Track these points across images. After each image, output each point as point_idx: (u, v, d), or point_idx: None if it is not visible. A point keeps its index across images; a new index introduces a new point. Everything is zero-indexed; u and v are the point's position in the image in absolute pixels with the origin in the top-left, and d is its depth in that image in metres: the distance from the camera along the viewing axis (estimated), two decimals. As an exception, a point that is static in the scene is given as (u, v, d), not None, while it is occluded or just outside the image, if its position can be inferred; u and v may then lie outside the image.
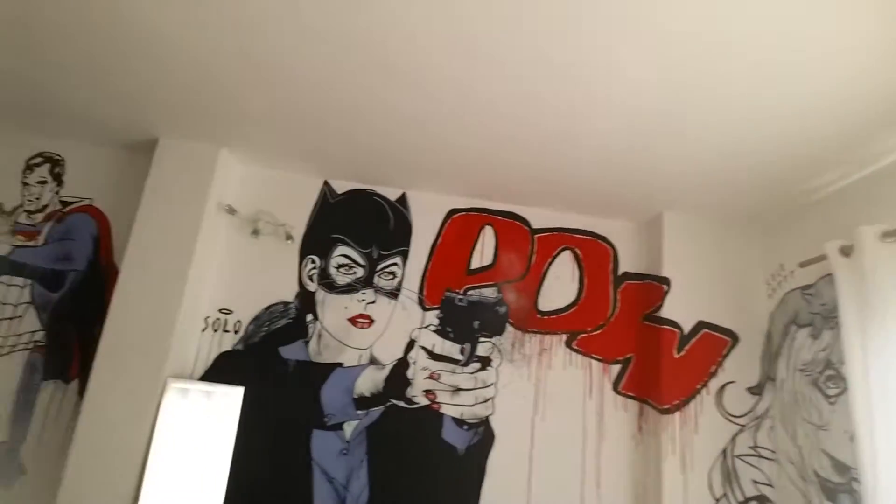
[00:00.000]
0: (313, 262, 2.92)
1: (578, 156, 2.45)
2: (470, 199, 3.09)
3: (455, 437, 2.72)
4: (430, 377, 2.79)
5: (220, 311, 2.81)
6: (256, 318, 2.82)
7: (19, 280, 2.78)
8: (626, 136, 2.24)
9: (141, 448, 2.38)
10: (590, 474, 2.73)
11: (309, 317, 2.84)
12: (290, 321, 2.83)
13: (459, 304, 2.92)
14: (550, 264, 3.04)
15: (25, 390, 2.67)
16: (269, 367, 2.75)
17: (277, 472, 2.63)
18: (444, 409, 2.76)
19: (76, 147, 2.97)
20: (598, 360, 2.91)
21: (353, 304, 2.86)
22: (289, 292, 2.87)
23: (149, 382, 2.46)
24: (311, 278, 2.90)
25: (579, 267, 3.04)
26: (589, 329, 2.95)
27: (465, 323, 2.89)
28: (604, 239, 3.10)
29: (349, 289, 2.88)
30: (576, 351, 2.91)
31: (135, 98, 2.41)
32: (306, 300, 2.87)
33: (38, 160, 2.94)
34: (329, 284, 2.89)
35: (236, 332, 2.79)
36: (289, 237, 2.92)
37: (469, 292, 2.95)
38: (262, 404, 2.66)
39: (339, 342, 2.81)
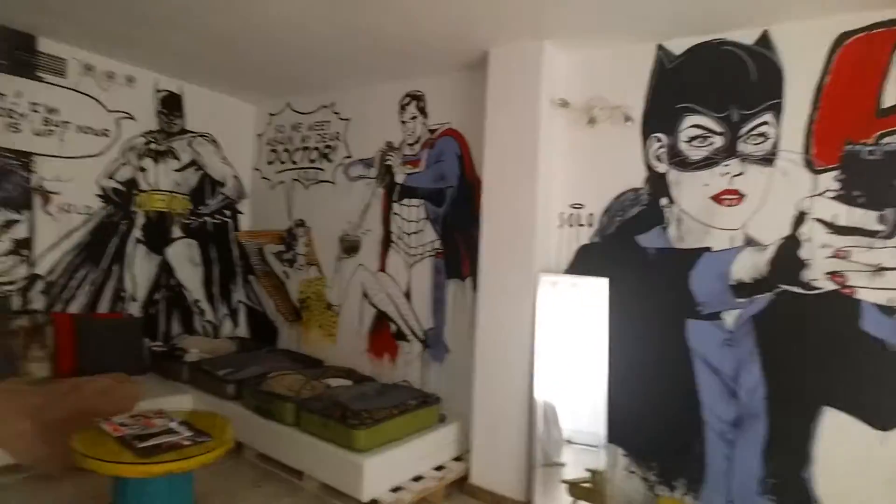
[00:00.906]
0: (659, 140, 2.78)
1: None
2: (870, 13, 2.32)
3: (881, 329, 2.27)
4: (836, 256, 2.35)
5: (572, 206, 3.02)
6: (607, 210, 2.92)
7: (416, 201, 3.68)
8: None
9: (527, 331, 2.89)
10: None
11: (663, 201, 2.76)
12: (643, 208, 2.82)
13: (870, 157, 2.31)
14: None
15: (436, 287, 3.57)
16: (629, 257, 2.84)
17: (655, 359, 2.77)
18: (862, 295, 2.30)
19: (430, 81, 3.62)
20: None
21: (715, 179, 2.62)
22: (637, 178, 2.84)
23: (523, 276, 2.92)
24: (659, 159, 2.78)
25: None
26: None
27: (882, 181, 2.28)
28: None
29: (707, 163, 2.64)
30: None
31: (462, 16, 2.70)
32: (658, 183, 2.79)
33: (407, 100, 3.74)
34: (682, 162, 2.72)
35: (590, 225, 2.97)
36: (627, 119, 2.85)
37: (883, 140, 2.29)
38: (628, 294, 2.80)
39: (703, 224, 2.66)
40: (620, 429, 2.79)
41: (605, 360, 2.75)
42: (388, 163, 3.81)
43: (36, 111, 3.42)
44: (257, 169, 4.68)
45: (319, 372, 3.51)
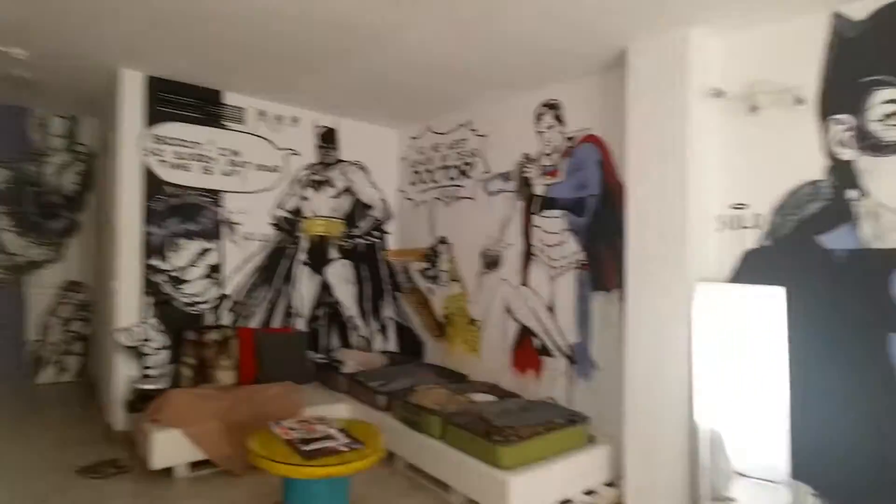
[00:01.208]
0: (842, 122, 2.37)
1: None
2: None
3: None
4: None
5: (733, 206, 2.70)
6: (780, 208, 2.56)
7: (556, 212, 3.58)
8: None
9: (684, 348, 2.62)
10: None
11: (852, 193, 2.34)
12: (825, 203, 2.42)
13: None
14: None
15: (581, 301, 3.41)
16: (810, 261, 2.45)
17: (851, 381, 2.32)
18: None
19: (565, 88, 3.54)
20: None
21: (923, 162, 2.16)
22: (815, 168, 2.45)
23: (676, 286, 2.67)
24: (843, 144, 2.37)
25: None
26: None
27: None
28: None
29: (911, 143, 2.19)
30: None
31: (598, 13, 2.59)
32: (843, 173, 2.37)
33: (543, 109, 3.69)
34: (874, 145, 2.28)
35: (757, 226, 2.62)
36: (799, 101, 2.48)
37: None
38: (811, 304, 2.41)
39: (909, 218, 2.19)
40: (808, 463, 2.38)
41: (786, 381, 2.37)
42: (526, 175, 3.77)
43: (223, 155, 4.01)
44: (402, 190, 4.96)
45: (464, 386, 3.55)
